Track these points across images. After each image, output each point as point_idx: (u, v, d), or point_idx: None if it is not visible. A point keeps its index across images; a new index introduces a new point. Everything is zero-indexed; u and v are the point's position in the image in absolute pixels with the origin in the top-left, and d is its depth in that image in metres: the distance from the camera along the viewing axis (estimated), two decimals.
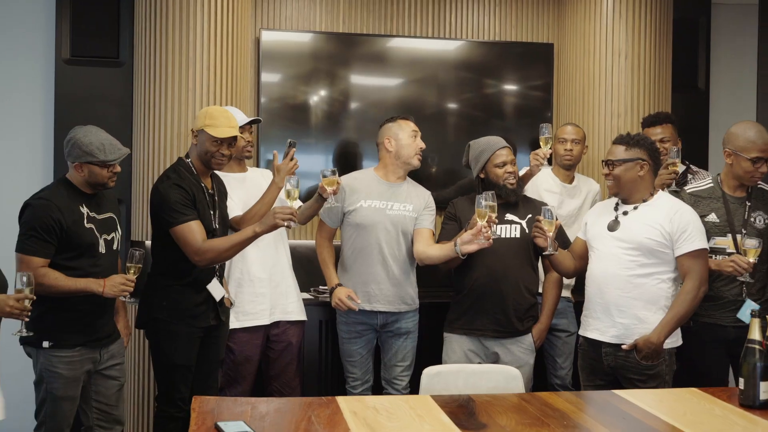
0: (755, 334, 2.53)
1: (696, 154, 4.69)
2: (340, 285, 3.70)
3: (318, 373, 4.15)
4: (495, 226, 3.32)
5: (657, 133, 3.95)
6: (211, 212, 3.28)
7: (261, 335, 3.62)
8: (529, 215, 3.61)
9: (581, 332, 3.38)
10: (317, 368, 4.14)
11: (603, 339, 3.28)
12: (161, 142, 4.13)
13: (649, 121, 4.09)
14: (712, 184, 3.55)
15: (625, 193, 3.28)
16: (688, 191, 3.58)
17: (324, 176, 3.46)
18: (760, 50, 4.91)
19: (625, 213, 3.28)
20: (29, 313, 2.72)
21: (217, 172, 3.48)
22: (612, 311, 3.26)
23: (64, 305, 3.03)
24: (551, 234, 3.29)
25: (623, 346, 3.20)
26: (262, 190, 3.56)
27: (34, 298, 2.73)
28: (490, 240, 3.25)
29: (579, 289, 3.85)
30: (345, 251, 3.76)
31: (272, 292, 3.64)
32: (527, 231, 3.57)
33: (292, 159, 3.50)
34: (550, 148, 3.69)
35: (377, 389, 3.77)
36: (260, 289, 3.60)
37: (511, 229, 3.61)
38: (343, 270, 3.77)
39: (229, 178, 3.59)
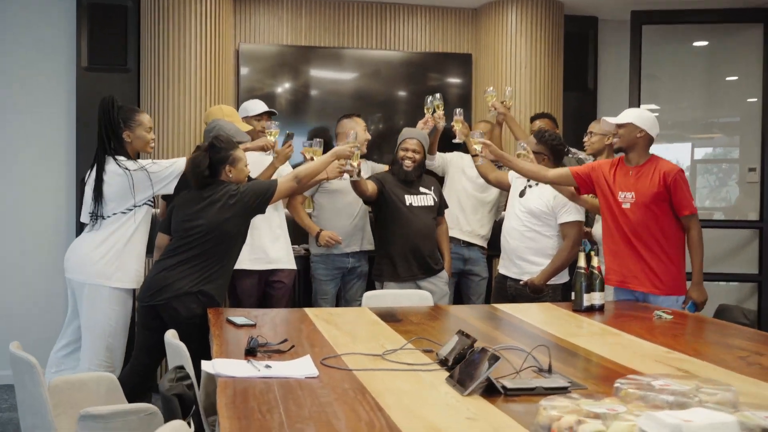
0: (582, 262, 3.43)
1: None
2: (321, 230, 4.46)
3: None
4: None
5: (537, 124, 4.90)
6: None
7: (257, 277, 4.22)
8: (432, 186, 4.46)
9: (498, 268, 4.26)
10: (291, 305, 4.81)
11: (508, 275, 4.16)
12: (164, 133, 4.83)
13: (534, 117, 5.08)
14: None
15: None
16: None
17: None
18: (631, 57, 5.59)
19: (530, 186, 4.13)
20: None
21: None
22: (512, 256, 4.13)
23: None
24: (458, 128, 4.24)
25: (520, 282, 4.09)
26: (261, 163, 4.13)
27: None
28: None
29: (491, 245, 4.80)
30: (321, 210, 4.51)
31: (272, 247, 4.24)
32: (436, 198, 4.39)
33: (289, 147, 4.15)
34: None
35: None
36: (258, 242, 4.17)
37: (426, 198, 4.44)
38: (319, 224, 4.49)
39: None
